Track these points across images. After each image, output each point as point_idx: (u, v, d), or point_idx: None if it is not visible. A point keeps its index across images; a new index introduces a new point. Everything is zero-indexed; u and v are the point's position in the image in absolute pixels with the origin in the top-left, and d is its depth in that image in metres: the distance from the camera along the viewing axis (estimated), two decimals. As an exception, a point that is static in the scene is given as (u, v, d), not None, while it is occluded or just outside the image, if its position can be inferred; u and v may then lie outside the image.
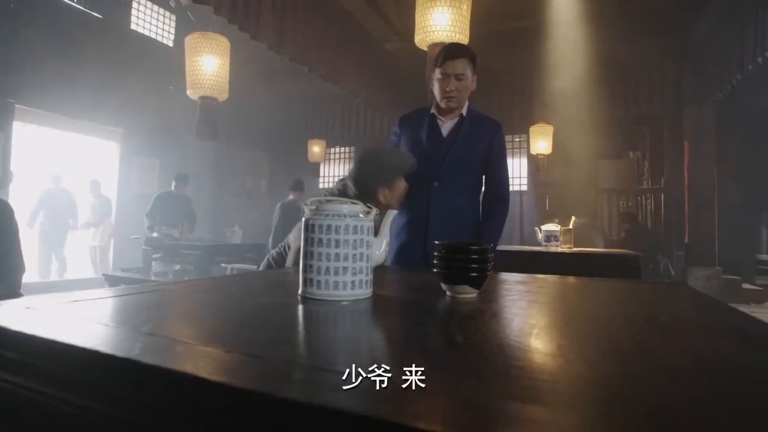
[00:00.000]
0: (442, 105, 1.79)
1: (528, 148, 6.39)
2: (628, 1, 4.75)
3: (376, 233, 0.84)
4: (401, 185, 1.65)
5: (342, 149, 8.29)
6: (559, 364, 0.46)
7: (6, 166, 4.98)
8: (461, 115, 1.84)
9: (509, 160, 7.20)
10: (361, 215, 0.78)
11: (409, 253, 1.79)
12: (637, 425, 0.30)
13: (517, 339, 0.58)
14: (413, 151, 1.81)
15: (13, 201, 5.20)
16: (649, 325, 0.63)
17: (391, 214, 0.86)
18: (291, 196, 5.30)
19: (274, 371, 0.41)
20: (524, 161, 7.33)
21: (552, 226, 3.30)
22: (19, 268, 2.00)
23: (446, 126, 1.85)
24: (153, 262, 4.76)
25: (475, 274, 0.79)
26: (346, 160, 8.29)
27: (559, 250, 3.17)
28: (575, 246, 3.33)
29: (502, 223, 1.86)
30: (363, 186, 1.60)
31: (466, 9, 3.38)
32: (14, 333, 0.51)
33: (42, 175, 6.12)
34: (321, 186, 8.19)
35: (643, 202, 6.74)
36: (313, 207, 0.78)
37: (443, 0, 3.24)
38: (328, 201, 0.78)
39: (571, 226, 3.32)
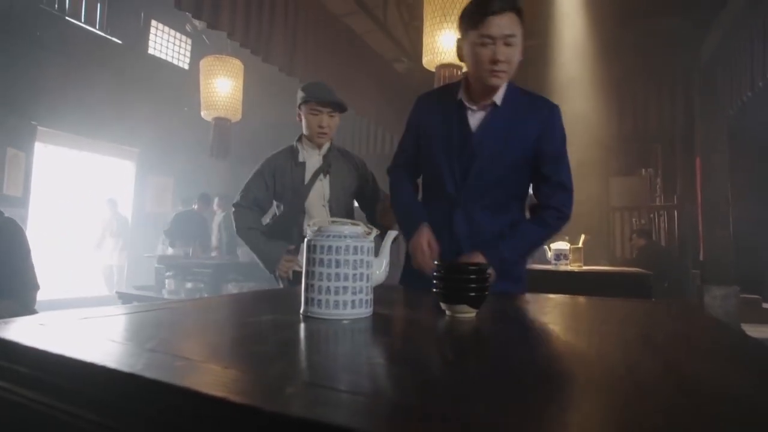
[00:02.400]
0: (482, 83, 1.28)
1: (538, 165, 6.38)
2: (635, 20, 4.79)
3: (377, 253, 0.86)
4: (307, 113, 1.81)
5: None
6: (552, 385, 0.47)
7: (27, 186, 5.14)
8: (494, 103, 1.33)
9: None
10: (361, 236, 0.80)
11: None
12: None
13: (510, 359, 0.59)
14: (434, 155, 1.39)
15: (33, 219, 5.35)
16: (638, 344, 0.64)
17: (392, 234, 0.88)
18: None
19: (269, 386, 0.43)
20: (535, 179, 7.31)
21: (562, 244, 3.28)
22: (33, 285, 2.05)
23: (477, 115, 1.35)
24: (165, 281, 4.83)
25: (473, 294, 0.80)
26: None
27: (569, 268, 3.15)
28: (585, 265, 3.30)
29: (546, 233, 1.38)
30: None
31: (473, 31, 3.43)
32: (27, 348, 0.54)
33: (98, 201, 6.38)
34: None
35: (656, 220, 6.66)
36: (316, 228, 0.80)
37: (450, 22, 3.31)
38: (331, 223, 0.80)
39: (580, 245, 3.30)
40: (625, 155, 6.94)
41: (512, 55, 1.25)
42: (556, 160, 1.35)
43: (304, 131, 1.86)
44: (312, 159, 1.86)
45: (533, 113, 1.34)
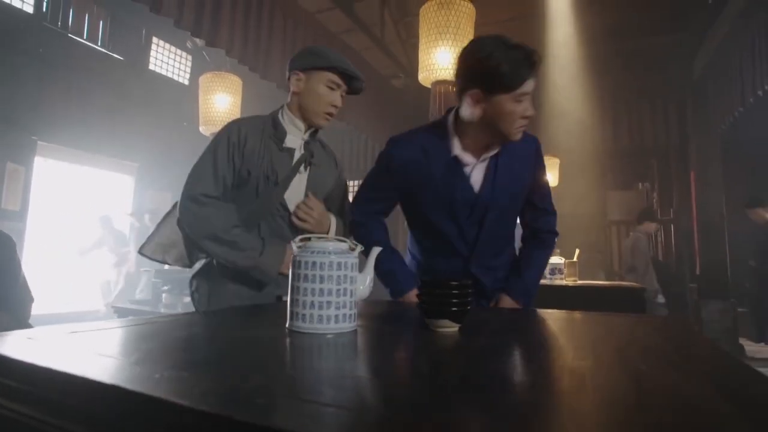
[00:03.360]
0: (515, 136, 1.22)
1: (534, 180, 6.44)
2: (625, 39, 4.88)
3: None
4: (321, 80, 1.36)
5: (351, 183, 8.41)
6: (529, 398, 0.49)
7: (26, 200, 5.16)
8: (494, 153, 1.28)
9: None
10: (345, 252, 0.82)
11: None
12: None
13: (489, 374, 0.60)
14: (438, 222, 1.31)
15: (30, 232, 5.35)
16: (610, 358, 0.66)
17: (376, 250, 0.90)
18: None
19: (246, 398, 0.44)
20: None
21: (556, 259, 3.30)
22: (28, 299, 2.06)
23: (477, 171, 1.28)
24: (162, 294, 4.83)
25: (455, 309, 0.82)
26: (353, 194, 8.40)
27: (564, 283, 3.16)
28: (580, 279, 3.31)
29: (550, 253, 1.46)
30: (289, 70, 1.43)
31: (468, 48, 3.48)
32: (14, 362, 0.56)
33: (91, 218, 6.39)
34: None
35: (654, 234, 6.69)
36: (301, 244, 0.82)
37: (445, 40, 3.38)
38: (317, 239, 0.83)
39: (575, 259, 3.32)
40: (622, 170, 7.00)
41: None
42: (543, 189, 1.41)
43: (303, 104, 1.39)
44: (292, 141, 1.42)
45: (524, 152, 1.33)
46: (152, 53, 6.63)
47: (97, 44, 5.82)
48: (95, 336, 0.71)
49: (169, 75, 6.91)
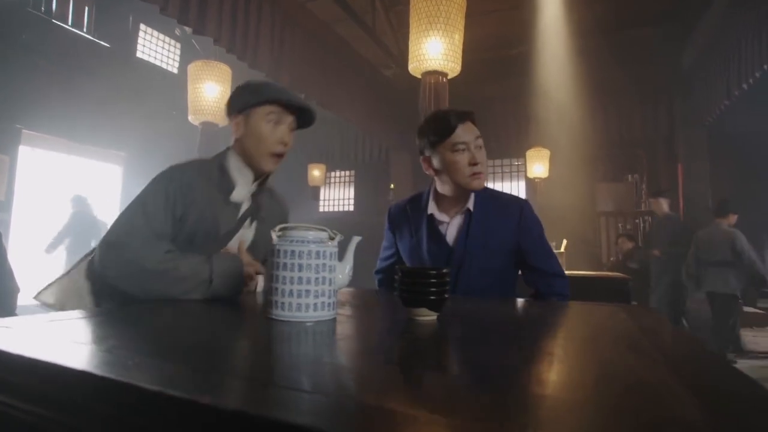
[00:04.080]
0: (465, 187, 1.32)
1: (525, 172, 6.47)
2: (614, 31, 4.90)
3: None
4: (261, 117, 1.21)
5: (342, 173, 8.40)
6: (497, 382, 0.50)
7: (11, 190, 5.10)
8: (468, 209, 1.35)
9: (507, 184, 7.38)
10: (325, 241, 0.83)
11: None
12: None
13: (461, 360, 0.62)
14: (414, 261, 1.41)
15: (15, 223, 5.27)
16: (577, 344, 0.68)
17: (356, 239, 0.91)
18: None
19: (219, 384, 0.45)
20: (522, 185, 7.43)
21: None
22: (13, 290, 2.05)
23: (452, 227, 1.37)
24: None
25: (433, 298, 0.83)
26: (346, 184, 8.40)
27: (551, 273, 3.19)
28: (567, 269, 3.35)
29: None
30: (228, 115, 1.27)
31: (458, 38, 3.49)
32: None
33: (64, 200, 6.12)
34: (321, 209, 8.27)
35: (642, 225, 6.77)
36: (280, 233, 0.83)
37: (436, 30, 3.36)
38: (294, 228, 0.83)
39: (562, 249, 3.35)
40: (611, 161, 7.06)
41: (484, 156, 1.32)
42: (542, 253, 1.37)
43: (247, 149, 1.23)
44: (240, 194, 1.24)
45: (506, 215, 1.36)
46: (140, 40, 6.53)
47: (82, 31, 5.72)
48: (73, 324, 0.71)
49: (158, 63, 6.82)
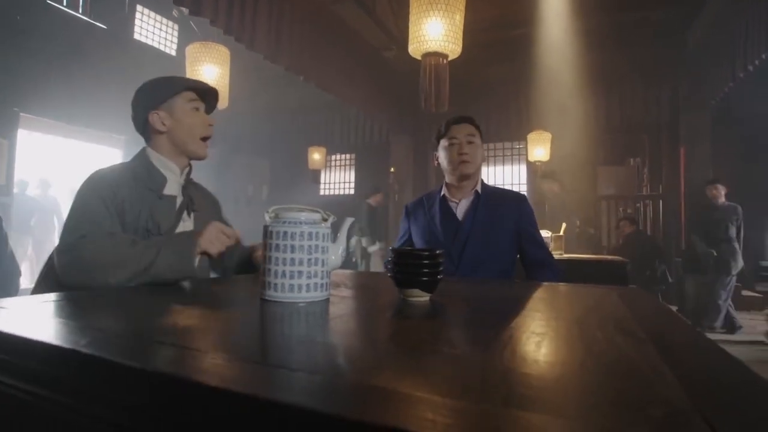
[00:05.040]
0: (457, 172, 1.63)
1: (526, 155, 6.44)
2: (617, 12, 4.81)
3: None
4: (184, 105, 1.25)
5: (342, 156, 8.37)
6: (486, 360, 0.51)
7: (11, 174, 5.09)
8: (476, 192, 1.66)
9: (508, 168, 7.34)
10: (317, 222, 0.83)
11: None
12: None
13: (451, 339, 0.62)
14: (427, 242, 1.65)
15: (16, 207, 5.28)
16: (563, 324, 0.68)
17: (348, 221, 0.91)
18: None
19: (209, 363, 0.46)
20: (523, 168, 7.39)
21: (543, 233, 3.33)
22: (14, 273, 2.07)
23: (461, 207, 1.67)
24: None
25: (425, 279, 0.84)
26: (347, 167, 8.37)
27: (550, 256, 3.20)
28: (566, 253, 3.36)
29: (553, 276, 1.59)
30: (137, 123, 1.29)
31: (459, 19, 3.43)
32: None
33: (32, 181, 6.13)
34: (321, 193, 8.27)
35: (642, 209, 6.75)
36: (273, 215, 0.83)
37: (436, 11, 3.30)
38: (287, 209, 0.83)
39: (561, 233, 3.36)
40: (613, 145, 7.01)
41: (474, 150, 1.63)
42: (537, 243, 1.65)
43: (177, 140, 1.25)
44: (173, 187, 1.25)
45: (508, 202, 1.66)
46: (137, 22, 6.44)
47: (78, 12, 5.64)
48: (65, 305, 0.72)
49: (155, 45, 6.74)
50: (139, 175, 1.20)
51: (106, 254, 1.00)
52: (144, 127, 1.27)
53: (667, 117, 5.68)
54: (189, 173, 1.31)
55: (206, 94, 1.31)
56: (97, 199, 1.10)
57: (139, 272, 0.99)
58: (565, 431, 0.31)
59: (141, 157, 1.25)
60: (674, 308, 5.02)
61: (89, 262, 1.00)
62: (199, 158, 1.30)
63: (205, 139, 1.28)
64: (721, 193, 4.54)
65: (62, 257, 1.03)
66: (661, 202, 6.33)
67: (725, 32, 4.25)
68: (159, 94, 1.25)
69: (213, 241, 1.07)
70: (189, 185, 1.31)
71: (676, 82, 5.52)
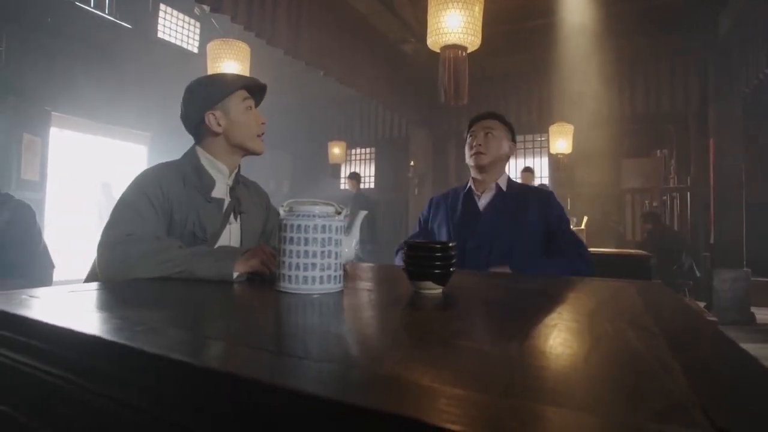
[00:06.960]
0: (471, 162, 1.68)
1: (548, 147, 6.33)
2: (646, -4, 4.65)
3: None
4: (239, 105, 1.24)
5: (362, 150, 8.39)
6: (495, 352, 0.51)
7: (44, 171, 5.28)
8: (497, 185, 1.68)
9: (530, 161, 7.22)
10: (331, 215, 0.84)
11: None
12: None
13: (463, 330, 0.63)
14: (446, 232, 1.68)
15: (50, 202, 5.48)
16: (572, 318, 0.68)
17: (362, 214, 0.92)
18: None
19: (224, 351, 0.48)
20: (545, 161, 7.28)
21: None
22: (48, 266, 2.15)
23: (483, 200, 1.69)
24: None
25: (438, 271, 0.84)
26: (367, 161, 8.39)
27: (571, 250, 3.15)
28: (589, 247, 3.30)
29: (564, 266, 1.50)
30: (189, 123, 1.26)
31: (478, 10, 3.39)
32: (15, 316, 0.60)
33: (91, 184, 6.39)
34: (342, 187, 8.31)
35: (669, 202, 6.57)
36: (288, 208, 0.85)
37: (455, 3, 3.26)
38: (301, 203, 0.85)
39: (583, 226, 3.30)
40: (638, 136, 6.82)
41: (490, 141, 1.65)
42: (564, 236, 1.60)
43: (236, 140, 1.25)
44: (221, 190, 1.24)
45: (532, 199, 1.64)
46: (160, 20, 6.56)
47: (104, 12, 5.78)
48: (90, 295, 0.75)
49: (178, 43, 6.86)
50: (188, 175, 1.19)
51: (151, 256, 1.00)
52: (198, 128, 1.25)
53: (696, 107, 5.49)
54: (238, 173, 1.30)
55: (257, 91, 1.31)
56: (143, 197, 1.10)
57: (174, 275, 0.99)
58: (567, 422, 0.31)
59: (190, 156, 1.24)
60: (702, 304, 4.89)
61: (136, 260, 0.99)
62: (257, 153, 1.30)
63: (261, 135, 1.29)
64: None
65: (107, 252, 1.02)
66: (689, 194, 6.15)
67: (759, 17, 4.07)
68: (214, 94, 1.22)
69: (255, 266, 1.00)
70: (237, 185, 1.29)
71: (706, 70, 5.31)
